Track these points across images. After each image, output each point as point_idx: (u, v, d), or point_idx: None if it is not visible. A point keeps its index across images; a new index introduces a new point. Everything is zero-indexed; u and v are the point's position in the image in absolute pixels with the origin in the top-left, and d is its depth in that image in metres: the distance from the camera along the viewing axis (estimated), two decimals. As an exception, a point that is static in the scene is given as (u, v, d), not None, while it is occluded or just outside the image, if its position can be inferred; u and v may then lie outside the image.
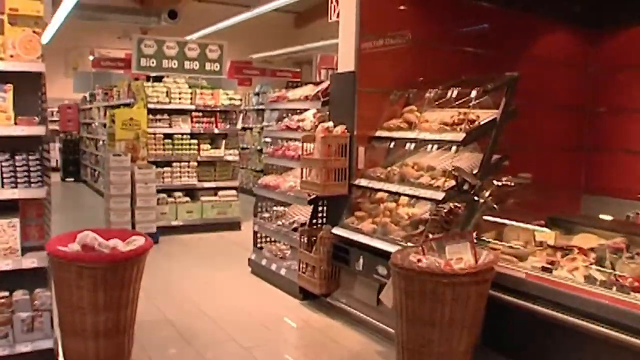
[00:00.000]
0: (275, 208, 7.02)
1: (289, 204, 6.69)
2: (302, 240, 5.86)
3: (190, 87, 9.41)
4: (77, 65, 20.36)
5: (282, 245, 6.81)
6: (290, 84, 6.95)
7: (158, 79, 9.59)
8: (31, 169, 3.96)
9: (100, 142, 13.19)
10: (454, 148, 4.81)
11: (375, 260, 4.97)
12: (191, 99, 9.31)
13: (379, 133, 5.54)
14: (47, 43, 15.49)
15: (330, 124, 5.63)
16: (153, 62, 9.41)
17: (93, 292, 3.95)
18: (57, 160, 17.56)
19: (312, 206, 5.98)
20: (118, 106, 10.51)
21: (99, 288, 3.94)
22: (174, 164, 9.20)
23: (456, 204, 4.92)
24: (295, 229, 6.26)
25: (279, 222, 6.62)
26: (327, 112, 6.14)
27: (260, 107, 13.73)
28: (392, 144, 5.43)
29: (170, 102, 9.12)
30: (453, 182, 4.74)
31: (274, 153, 6.63)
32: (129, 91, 10.08)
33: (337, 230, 5.46)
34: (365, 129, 5.59)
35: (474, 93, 4.87)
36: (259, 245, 7.12)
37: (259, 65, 16.00)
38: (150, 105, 8.95)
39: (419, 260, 4.11)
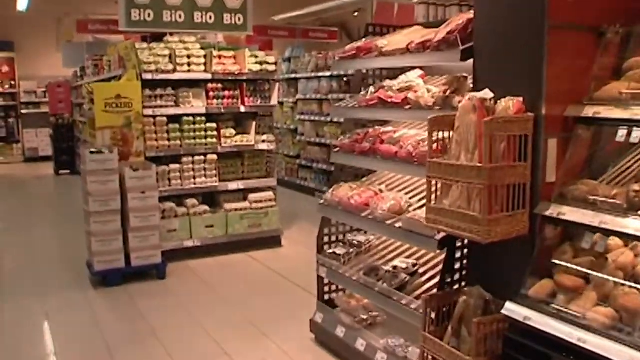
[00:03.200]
0: (351, 237, 4.24)
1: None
2: (427, 314, 3.09)
3: (203, 48, 6.60)
4: (72, 37, 17.53)
5: (368, 300, 4.05)
6: (372, 30, 3.96)
7: (158, 39, 6.78)
8: None
9: (93, 127, 10.44)
10: None
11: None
12: (205, 64, 6.50)
13: (589, 111, 2.71)
14: (26, 10, 12.58)
15: (487, 94, 2.81)
16: (149, 15, 6.57)
17: None
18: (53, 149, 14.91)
19: (443, 250, 3.21)
20: (109, 80, 7.72)
21: None
22: (184, 159, 6.44)
23: None
24: (401, 287, 3.50)
25: (365, 265, 3.86)
26: (459, 75, 3.32)
27: (293, 75, 10.89)
28: (624, 133, 2.60)
29: (175, 71, 6.32)
30: None
31: (354, 146, 3.82)
32: (120, 59, 7.27)
33: (514, 309, 2.67)
34: (560, 103, 2.78)
35: None
36: (326, 296, 4.37)
37: (286, 26, 13.05)
38: (147, 76, 6.15)
39: None
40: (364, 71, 4.21)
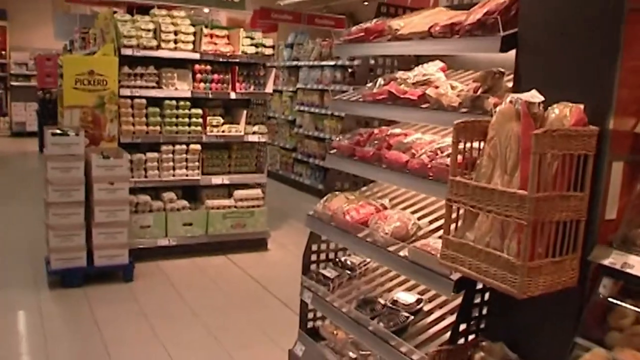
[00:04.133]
0: (345, 258, 3.56)
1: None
2: (434, 375, 2.41)
3: (193, 25, 5.88)
4: (68, 7, 16.76)
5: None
6: (385, 10, 3.23)
7: (144, 12, 6.07)
8: None
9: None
10: None
11: None
12: (194, 43, 5.78)
13: (672, 126, 2.03)
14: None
15: (536, 96, 2.11)
16: (136, -17, 5.89)
17: None
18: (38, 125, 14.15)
19: (458, 294, 2.52)
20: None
21: None
22: (164, 147, 5.74)
23: None
24: (402, 330, 2.82)
25: (358, 294, 3.18)
26: (494, 70, 2.62)
27: (295, 63, 10.16)
28: None
29: (159, 47, 5.60)
30: None
31: (354, 150, 3.13)
32: (102, 32, 6.55)
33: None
34: (633, 114, 2.09)
35: None
36: (310, 324, 3.68)
37: (291, 10, 12.27)
38: (126, 51, 5.44)
39: None
40: (372, 60, 3.51)
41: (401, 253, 2.72)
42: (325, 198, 3.35)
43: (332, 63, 9.03)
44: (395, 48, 2.91)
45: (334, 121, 9.02)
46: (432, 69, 3.08)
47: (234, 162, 6.21)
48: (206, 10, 12.81)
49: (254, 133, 6.15)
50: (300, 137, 10.01)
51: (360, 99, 3.16)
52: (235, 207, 6.05)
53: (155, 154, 5.69)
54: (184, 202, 5.87)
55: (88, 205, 4.93)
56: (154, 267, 5.54)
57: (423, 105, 2.72)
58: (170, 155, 5.74)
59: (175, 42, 5.68)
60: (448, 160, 2.58)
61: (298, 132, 10.05)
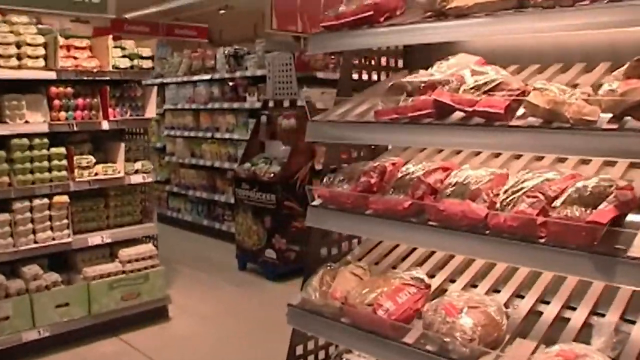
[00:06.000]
0: (347, 357, 2.38)
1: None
2: None
3: (43, 34, 4.36)
4: None
5: None
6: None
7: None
8: None
9: None
10: None
11: None
12: (46, 58, 4.26)
13: None
14: None
15: None
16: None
17: None
18: None
19: None
20: None
21: None
22: (17, 204, 4.14)
23: None
24: None
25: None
26: None
27: (159, 80, 8.67)
28: None
29: (-4, 67, 4.05)
30: None
31: (366, 200, 1.98)
32: None
33: None
34: None
35: None
36: None
37: (146, 21, 10.71)
38: (-53, 75, 3.84)
39: None
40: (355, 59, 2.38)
41: (506, 373, 1.62)
42: (317, 277, 2.16)
43: (206, 77, 7.74)
44: (451, 32, 1.78)
45: (215, 145, 7.75)
46: (465, 63, 2.01)
47: (114, 213, 4.76)
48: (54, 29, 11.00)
49: (136, 172, 4.74)
50: (174, 167, 8.57)
51: (371, 119, 2.01)
52: (124, 271, 4.59)
53: (6, 215, 4.09)
54: (54, 276, 4.30)
55: None
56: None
57: (517, 123, 1.64)
58: (28, 215, 4.17)
59: (19, 57, 4.14)
60: (581, 211, 1.53)
61: (170, 160, 8.60)
